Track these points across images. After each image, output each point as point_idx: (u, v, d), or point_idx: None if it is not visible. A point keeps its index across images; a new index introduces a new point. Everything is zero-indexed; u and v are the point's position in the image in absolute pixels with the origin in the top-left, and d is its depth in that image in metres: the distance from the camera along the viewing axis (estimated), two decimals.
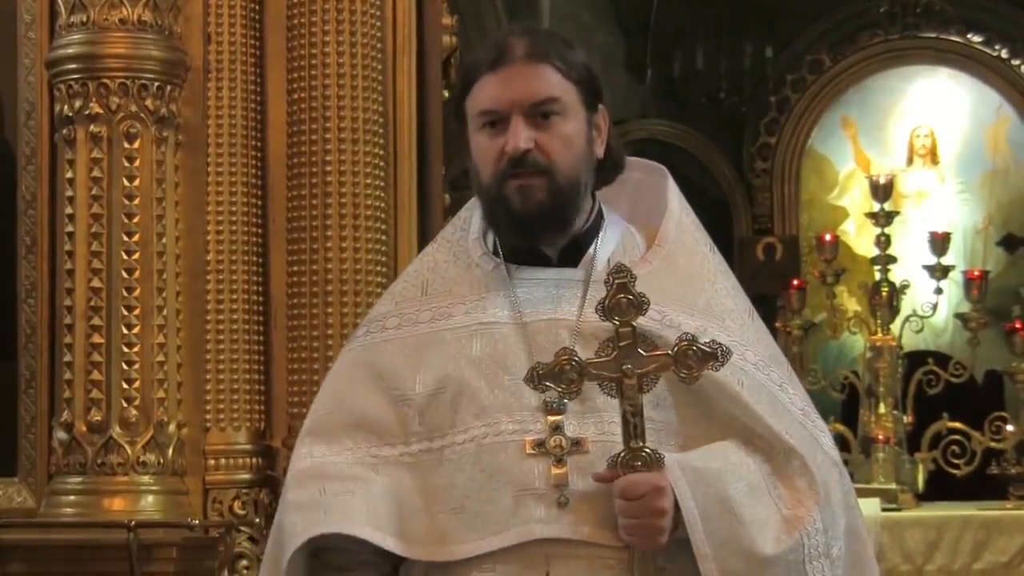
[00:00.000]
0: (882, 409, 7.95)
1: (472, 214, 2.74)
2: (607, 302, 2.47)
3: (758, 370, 2.61)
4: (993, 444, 8.02)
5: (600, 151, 2.66)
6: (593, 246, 2.66)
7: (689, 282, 2.65)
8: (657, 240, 2.69)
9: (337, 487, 2.58)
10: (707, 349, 2.47)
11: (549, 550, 2.50)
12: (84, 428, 4.55)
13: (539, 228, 2.60)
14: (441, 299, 2.67)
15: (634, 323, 2.47)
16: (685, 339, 2.47)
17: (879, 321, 8.13)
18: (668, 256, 2.67)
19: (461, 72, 2.70)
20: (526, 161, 2.55)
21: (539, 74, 2.58)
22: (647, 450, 2.46)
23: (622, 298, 2.47)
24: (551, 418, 2.52)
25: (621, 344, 2.47)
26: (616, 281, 2.47)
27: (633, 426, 2.47)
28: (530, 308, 2.60)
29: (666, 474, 2.46)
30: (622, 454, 2.47)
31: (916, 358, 8.53)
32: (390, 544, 2.54)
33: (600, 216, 2.69)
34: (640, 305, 2.47)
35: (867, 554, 2.67)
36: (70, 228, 4.60)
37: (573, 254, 2.65)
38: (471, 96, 2.62)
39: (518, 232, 2.61)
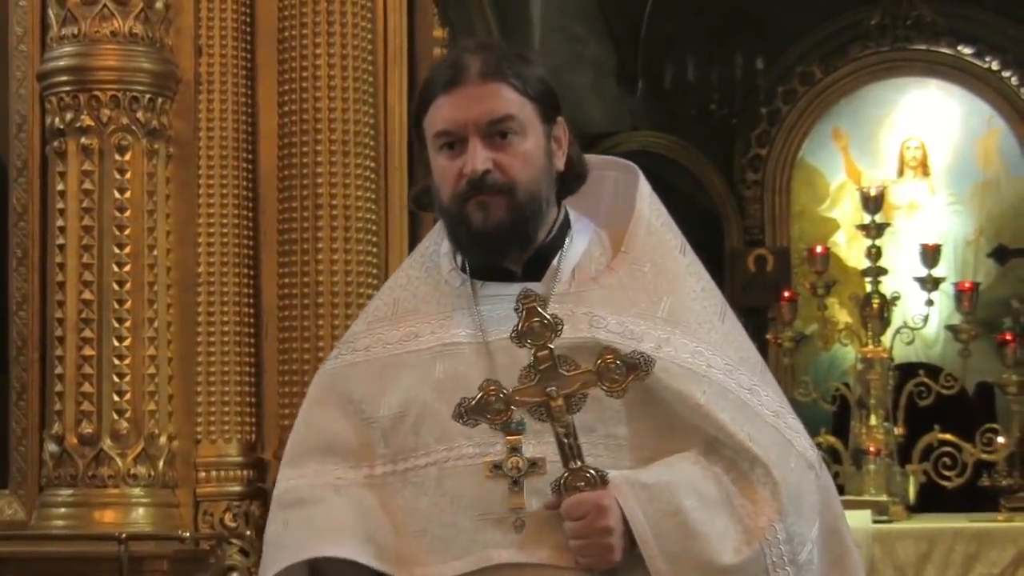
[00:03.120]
0: (873, 421, 7.94)
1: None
2: (520, 327, 2.46)
3: (726, 375, 2.59)
4: (984, 456, 8.01)
5: (561, 164, 2.65)
6: (557, 258, 2.65)
7: (654, 289, 2.63)
8: (623, 247, 2.67)
9: (298, 515, 2.60)
10: (630, 361, 2.45)
11: (508, 574, 2.50)
12: (75, 440, 4.54)
13: (501, 245, 2.59)
14: (410, 318, 2.66)
15: (551, 345, 2.45)
16: (607, 353, 2.46)
17: (870, 333, 8.13)
18: (634, 262, 2.65)
19: (419, 91, 2.69)
20: (486, 182, 2.55)
21: (494, 93, 2.56)
22: (589, 471, 2.46)
23: (535, 322, 2.45)
24: (509, 439, 2.50)
25: (541, 368, 2.46)
26: (525, 306, 2.46)
27: (569, 447, 2.46)
28: (493, 327, 2.60)
29: (613, 492, 2.46)
30: (564, 477, 2.46)
31: (907, 370, 8.52)
32: (345, 550, 2.54)
33: (566, 225, 2.68)
34: (554, 327, 2.45)
35: (849, 555, 2.66)
36: (61, 240, 4.60)
37: (537, 267, 2.64)
38: (428, 117, 2.61)
39: (480, 250, 2.61)
